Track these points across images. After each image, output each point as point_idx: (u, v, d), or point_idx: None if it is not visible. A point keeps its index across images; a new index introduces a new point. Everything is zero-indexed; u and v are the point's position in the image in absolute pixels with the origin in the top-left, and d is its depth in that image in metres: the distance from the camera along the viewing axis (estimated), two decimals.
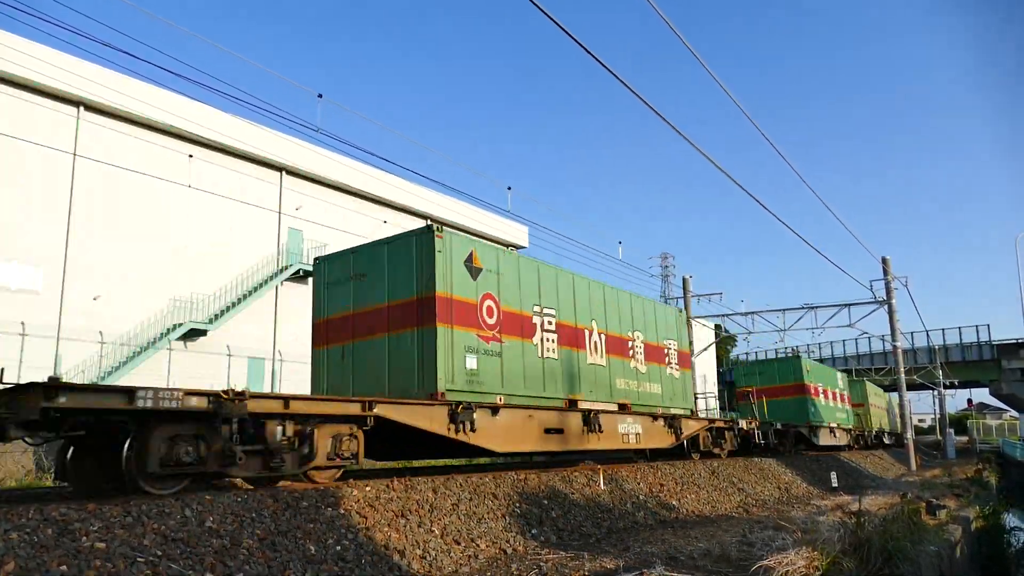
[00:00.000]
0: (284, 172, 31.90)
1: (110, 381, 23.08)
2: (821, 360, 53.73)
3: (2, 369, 6.44)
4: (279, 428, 7.45)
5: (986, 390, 59.54)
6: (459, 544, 7.69)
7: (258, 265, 30.20)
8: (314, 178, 33.03)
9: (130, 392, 6.31)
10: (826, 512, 12.66)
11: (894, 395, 44.45)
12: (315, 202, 32.89)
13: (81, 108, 24.90)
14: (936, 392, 54.05)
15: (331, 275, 11.41)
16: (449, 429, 9.50)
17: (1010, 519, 21.61)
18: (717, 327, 42.30)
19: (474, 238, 11.52)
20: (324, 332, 11.30)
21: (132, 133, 26.19)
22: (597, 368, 13.30)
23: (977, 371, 54.29)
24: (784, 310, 33.81)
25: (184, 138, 27.82)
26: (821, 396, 27.66)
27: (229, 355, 27.76)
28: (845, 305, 31.82)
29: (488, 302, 10.83)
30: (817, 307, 32.72)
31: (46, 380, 5.99)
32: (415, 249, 10.30)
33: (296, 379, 26.70)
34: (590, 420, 12.33)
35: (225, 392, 6.90)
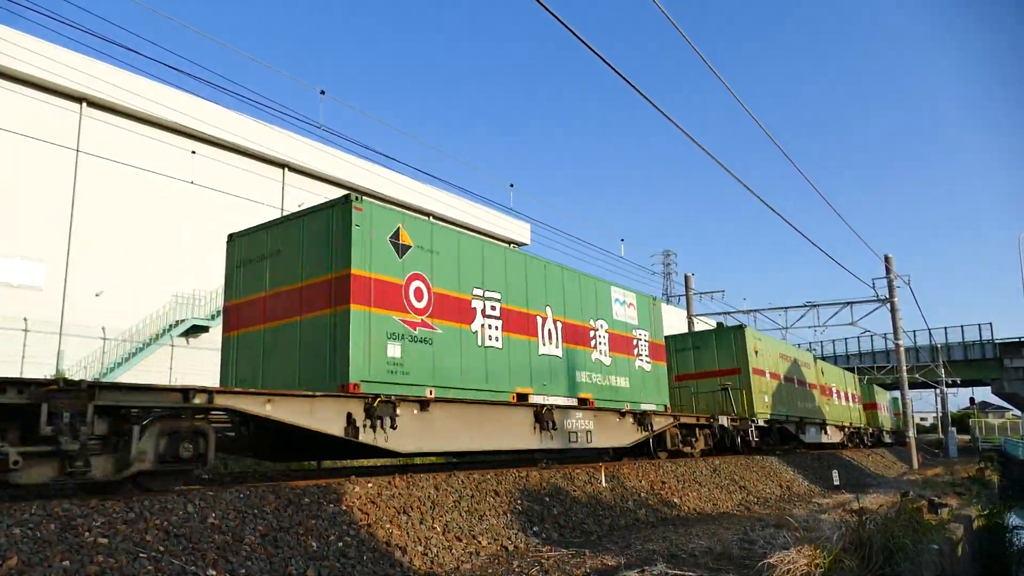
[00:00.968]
0: (287, 168, 31.92)
1: (113, 377, 23.12)
2: (823, 358, 53.70)
3: None
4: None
5: (988, 389, 59.42)
6: (460, 541, 7.70)
7: None
8: (316, 175, 33.02)
9: None
10: (828, 510, 12.67)
11: (896, 393, 44.40)
12: (317, 199, 32.70)
13: (84, 104, 24.92)
14: (938, 391, 54.02)
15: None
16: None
17: (1012, 518, 21.59)
18: (719, 325, 42.18)
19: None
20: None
21: (135, 129, 26.21)
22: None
23: (979, 370, 54.17)
24: (786, 308, 33.80)
25: (186, 134, 27.82)
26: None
27: None
28: (847, 303, 31.80)
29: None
30: (819, 305, 32.70)
31: None
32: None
33: None
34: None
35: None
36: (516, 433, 10.91)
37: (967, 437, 64.51)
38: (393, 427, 8.64)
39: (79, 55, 23.81)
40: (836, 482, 19.79)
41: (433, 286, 9.85)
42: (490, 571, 6.85)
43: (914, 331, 54.17)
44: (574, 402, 12.37)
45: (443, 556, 7.19)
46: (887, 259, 30.11)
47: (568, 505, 9.94)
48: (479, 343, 10.48)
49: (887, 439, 40.35)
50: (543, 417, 11.30)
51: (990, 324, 53.99)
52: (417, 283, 9.68)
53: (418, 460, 15.55)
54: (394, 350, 9.07)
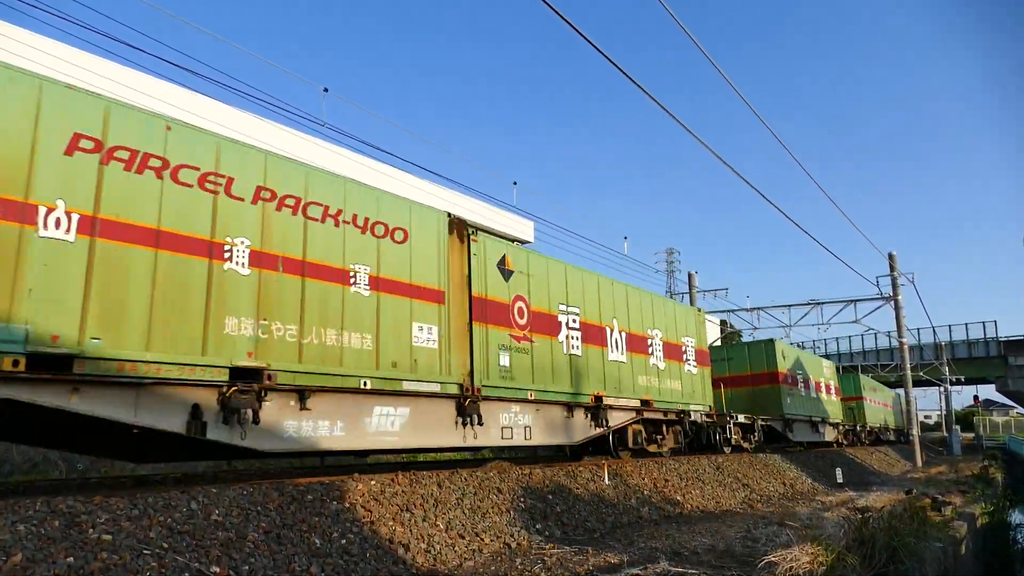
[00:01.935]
0: None
1: None
2: (827, 356, 53.61)
3: None
4: None
5: (992, 387, 59.31)
6: (463, 538, 7.71)
7: None
8: None
9: None
10: (831, 508, 12.65)
11: (899, 391, 44.32)
12: None
13: None
14: (942, 389, 53.91)
15: None
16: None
17: (1015, 516, 21.56)
18: (723, 323, 42.16)
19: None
20: None
21: None
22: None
23: (983, 368, 54.07)
24: (790, 306, 33.74)
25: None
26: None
27: None
28: (851, 301, 31.74)
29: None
30: (823, 303, 32.64)
31: None
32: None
33: None
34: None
35: None
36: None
37: (971, 435, 64.34)
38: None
39: (83, 53, 23.85)
40: (839, 480, 19.78)
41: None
42: (493, 569, 6.86)
43: (918, 329, 54.08)
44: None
45: (446, 553, 7.21)
46: (891, 256, 30.05)
47: (571, 503, 9.95)
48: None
49: (885, 436, 39.05)
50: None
51: (994, 322, 54.01)
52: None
53: (426, 458, 15.80)
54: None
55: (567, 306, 12.47)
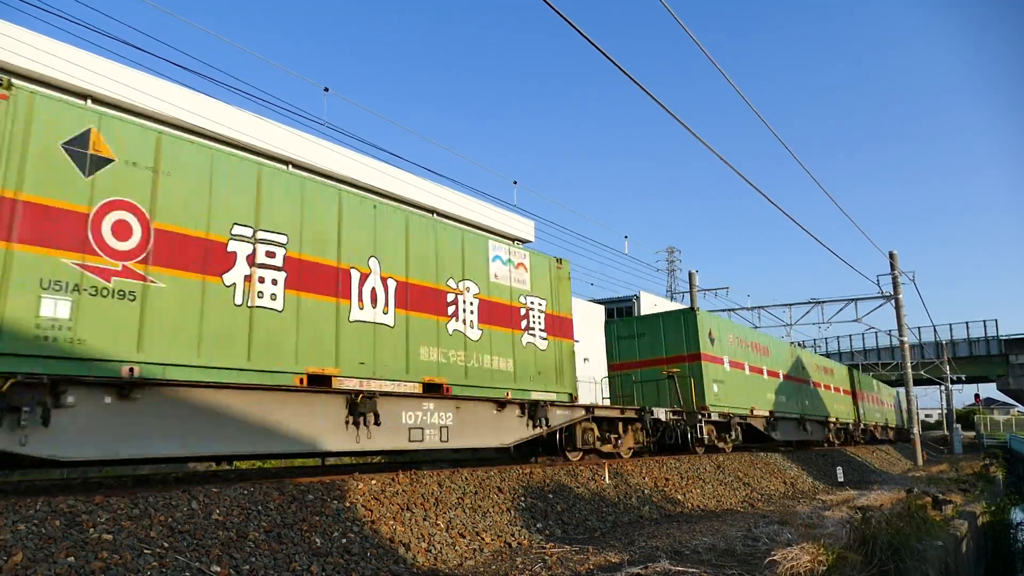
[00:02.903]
0: (290, 166, 31.97)
1: None
2: (828, 355, 53.60)
3: None
4: None
5: (993, 385, 59.28)
6: (464, 537, 7.71)
7: None
8: (320, 172, 33.06)
9: None
10: (832, 507, 12.65)
11: (900, 389, 44.30)
12: None
13: (88, 102, 24.97)
14: (943, 387, 53.89)
15: None
16: None
17: (1017, 515, 21.54)
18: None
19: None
20: None
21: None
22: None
23: (984, 366, 54.06)
24: (790, 304, 33.72)
25: (190, 131, 27.88)
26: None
27: None
28: (852, 300, 31.73)
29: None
30: (824, 302, 32.62)
31: None
32: None
33: None
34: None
35: None
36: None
37: (972, 434, 64.35)
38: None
39: (84, 52, 23.85)
40: (840, 479, 19.77)
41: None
42: (494, 568, 6.86)
43: (919, 327, 54.14)
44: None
45: (447, 552, 7.20)
46: (892, 255, 30.02)
47: (571, 502, 9.95)
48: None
49: (880, 435, 37.36)
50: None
51: (995, 320, 54.02)
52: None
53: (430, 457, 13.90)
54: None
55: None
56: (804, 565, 6.31)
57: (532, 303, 12.19)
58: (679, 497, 12.44)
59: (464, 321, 10.68)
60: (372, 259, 9.47)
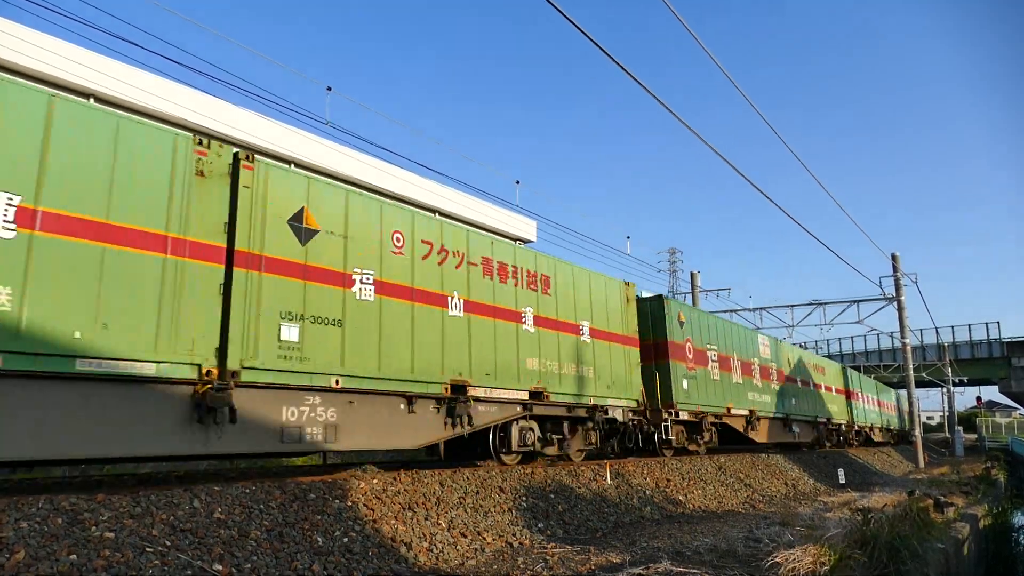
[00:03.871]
0: (293, 165, 32.00)
1: None
2: (829, 356, 53.52)
3: None
4: None
5: (995, 388, 59.17)
6: (465, 537, 7.71)
7: None
8: (323, 171, 33.08)
9: None
10: (833, 508, 12.63)
11: (902, 391, 44.23)
12: None
13: (91, 101, 25.00)
14: (945, 389, 53.82)
15: None
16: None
17: (1018, 517, 21.51)
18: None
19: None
20: None
21: None
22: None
23: (986, 368, 53.97)
24: (792, 306, 33.72)
25: (192, 131, 27.89)
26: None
27: None
28: (854, 301, 31.72)
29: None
30: (826, 303, 32.63)
31: None
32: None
33: None
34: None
35: None
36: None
37: (974, 436, 64.25)
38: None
39: (85, 51, 23.88)
40: (841, 480, 19.76)
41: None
42: (495, 567, 6.86)
43: (921, 329, 54.09)
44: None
45: (448, 552, 7.21)
46: (894, 257, 30.00)
47: (573, 502, 9.94)
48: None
49: (880, 437, 35.87)
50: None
51: (997, 323, 53.83)
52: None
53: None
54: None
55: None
56: (806, 566, 6.30)
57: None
58: (680, 498, 12.43)
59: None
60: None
